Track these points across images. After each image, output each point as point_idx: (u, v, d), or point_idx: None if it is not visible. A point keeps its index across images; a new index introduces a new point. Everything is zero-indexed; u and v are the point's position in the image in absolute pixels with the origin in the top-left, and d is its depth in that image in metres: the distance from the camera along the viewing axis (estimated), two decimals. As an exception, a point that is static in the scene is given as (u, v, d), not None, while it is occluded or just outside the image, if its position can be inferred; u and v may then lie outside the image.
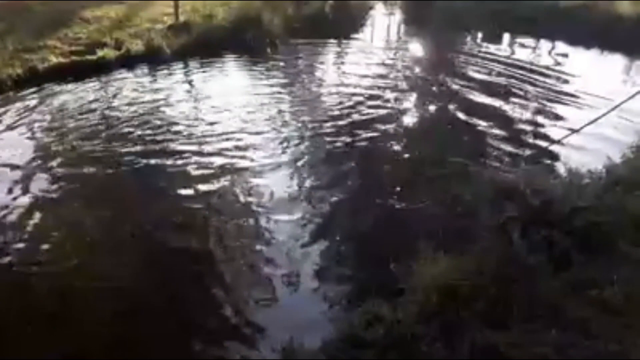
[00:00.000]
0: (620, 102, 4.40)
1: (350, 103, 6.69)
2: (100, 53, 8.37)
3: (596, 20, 9.31)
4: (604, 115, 4.38)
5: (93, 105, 6.83)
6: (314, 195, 4.63)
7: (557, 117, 6.37)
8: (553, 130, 5.93)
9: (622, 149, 4.73)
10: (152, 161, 5.34)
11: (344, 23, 10.68)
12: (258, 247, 4.04)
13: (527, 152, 5.34)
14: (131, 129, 6.09)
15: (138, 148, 5.61)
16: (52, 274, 3.72)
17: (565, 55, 8.75)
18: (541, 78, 7.76)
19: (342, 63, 8.96)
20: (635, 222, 3.28)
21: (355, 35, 10.50)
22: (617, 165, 4.28)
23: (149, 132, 6.02)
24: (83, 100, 7.01)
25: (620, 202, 3.44)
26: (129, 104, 6.84)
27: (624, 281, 2.82)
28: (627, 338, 2.61)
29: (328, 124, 6.08)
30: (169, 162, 5.32)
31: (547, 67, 8.25)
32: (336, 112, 6.41)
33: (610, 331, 2.65)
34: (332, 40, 9.99)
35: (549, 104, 6.77)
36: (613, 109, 4.39)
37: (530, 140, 5.67)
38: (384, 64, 8.64)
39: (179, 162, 5.33)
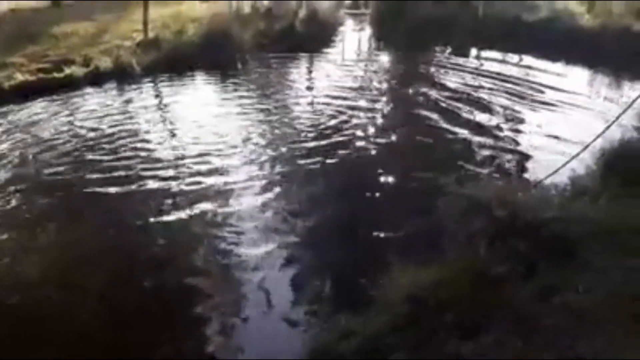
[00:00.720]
0: (621, 112, 4.60)
1: (322, 119, 6.69)
2: (67, 70, 8.29)
3: (559, 33, 9.54)
4: (613, 122, 4.49)
5: (56, 124, 6.70)
6: (287, 218, 4.50)
7: (526, 124, 6.49)
8: (523, 139, 6.03)
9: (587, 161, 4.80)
10: (113, 188, 4.97)
11: (314, 38, 10.76)
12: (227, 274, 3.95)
13: (497, 163, 5.41)
14: (95, 150, 5.90)
15: (101, 172, 5.34)
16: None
17: (530, 67, 8.98)
18: (512, 88, 7.93)
19: (314, 77, 9.03)
20: (599, 231, 3.34)
21: (327, 50, 10.62)
22: (581, 176, 4.37)
23: (111, 155, 5.76)
24: (47, 119, 6.89)
25: (585, 212, 3.51)
26: (95, 123, 6.72)
27: (588, 288, 2.87)
28: (594, 343, 2.65)
29: (301, 142, 6.01)
30: (134, 187, 5.02)
31: (517, 78, 8.43)
32: (308, 129, 6.39)
33: (577, 337, 2.69)
34: (303, 55, 10.08)
35: (520, 113, 6.89)
36: (614, 121, 4.52)
37: (500, 152, 5.74)
38: (354, 78, 8.74)
39: (145, 187, 5.02)
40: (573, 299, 2.86)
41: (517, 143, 5.93)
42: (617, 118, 4.62)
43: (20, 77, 7.99)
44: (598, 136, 4.44)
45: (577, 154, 4.44)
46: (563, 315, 2.79)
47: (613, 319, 2.69)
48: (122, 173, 5.31)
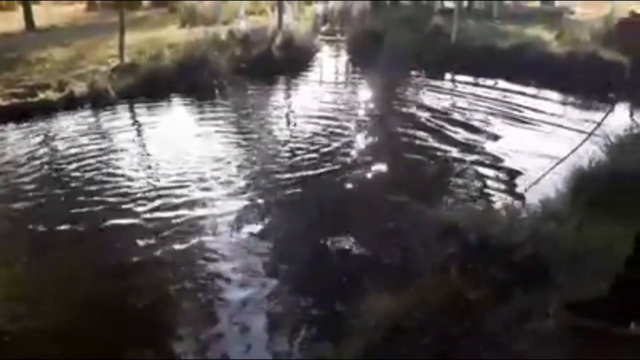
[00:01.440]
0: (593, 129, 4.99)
1: (300, 144, 6.65)
2: (42, 95, 8.21)
3: (530, 59, 9.80)
4: (586, 139, 4.86)
5: (27, 150, 6.56)
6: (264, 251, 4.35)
7: (504, 143, 6.59)
8: (502, 158, 6.11)
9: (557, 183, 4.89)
10: (81, 227, 4.60)
11: (291, 63, 10.86)
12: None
13: (473, 184, 5.47)
14: (65, 180, 5.68)
15: (64, 205, 5.05)
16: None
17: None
18: (489, 107, 8.09)
19: (292, 101, 9.09)
20: (569, 254, 3.40)
21: (304, 75, 10.72)
22: (551, 199, 4.45)
23: (83, 185, 5.53)
24: (18, 144, 6.79)
25: (555, 235, 3.57)
26: (67, 150, 6.60)
27: (560, 312, 2.91)
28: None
29: (280, 168, 5.90)
30: (110, 222, 4.69)
31: (494, 99, 8.60)
32: (287, 155, 6.34)
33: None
34: (280, 80, 10.16)
35: (499, 132, 7.02)
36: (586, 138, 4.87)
37: (478, 172, 5.79)
38: (333, 100, 8.85)
39: (120, 221, 4.69)
40: (544, 324, 2.90)
41: (496, 161, 6.00)
42: (590, 135, 5.12)
43: (-8, 102, 7.91)
44: (573, 151, 4.91)
45: (552, 167, 4.90)
46: (534, 341, 2.82)
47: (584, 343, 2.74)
48: (86, 209, 4.98)
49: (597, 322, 2.73)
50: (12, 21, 15.71)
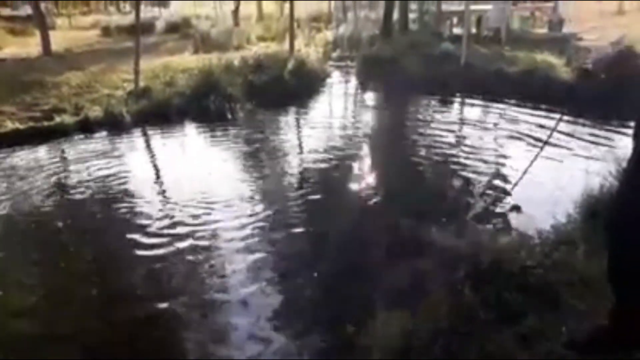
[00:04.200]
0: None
1: (311, 173, 6.64)
2: (58, 119, 8.39)
3: (537, 83, 9.88)
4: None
5: (43, 174, 6.69)
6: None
7: (513, 169, 6.56)
8: (511, 184, 6.09)
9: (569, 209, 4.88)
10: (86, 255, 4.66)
11: (303, 89, 11.04)
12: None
13: (479, 209, 5.48)
14: (81, 204, 5.79)
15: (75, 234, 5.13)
16: None
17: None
18: (499, 134, 8.11)
19: (303, 127, 9.17)
20: (581, 278, 3.41)
21: (315, 100, 10.86)
22: (563, 223, 4.47)
23: (97, 208, 5.64)
24: (35, 167, 6.95)
25: (567, 260, 3.58)
26: (83, 173, 6.71)
27: (572, 334, 2.92)
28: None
29: (293, 199, 5.81)
30: (128, 253, 4.66)
31: (503, 127, 8.62)
32: (298, 184, 6.31)
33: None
34: (292, 106, 10.29)
35: (507, 159, 7.01)
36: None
37: (484, 197, 5.81)
38: (344, 127, 8.94)
39: (137, 252, 4.67)
40: (557, 346, 2.90)
41: (504, 188, 5.99)
42: (545, 143, 5.79)
43: (10, 125, 8.08)
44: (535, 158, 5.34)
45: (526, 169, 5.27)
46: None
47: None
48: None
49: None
50: (29, 46, 16.13)
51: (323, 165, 6.88)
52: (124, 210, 5.60)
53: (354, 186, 6.26)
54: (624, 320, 2.61)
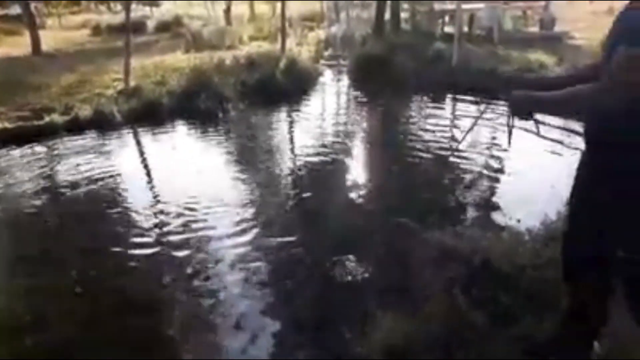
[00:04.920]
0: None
1: (304, 172, 6.62)
2: (47, 118, 8.33)
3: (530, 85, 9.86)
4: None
5: (30, 174, 6.62)
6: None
7: (506, 167, 6.57)
8: (502, 182, 6.10)
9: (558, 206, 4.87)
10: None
11: (295, 88, 10.95)
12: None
13: (470, 210, 5.46)
14: (68, 205, 5.73)
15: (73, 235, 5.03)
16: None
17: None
18: (492, 132, 8.08)
19: (296, 126, 9.13)
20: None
21: (307, 100, 10.81)
22: (554, 220, 4.44)
23: (85, 207, 5.58)
24: (23, 166, 6.91)
25: (557, 258, 3.57)
26: (71, 174, 6.63)
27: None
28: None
29: (287, 199, 5.78)
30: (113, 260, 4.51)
31: (497, 123, 8.59)
32: (291, 184, 6.26)
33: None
34: (284, 104, 10.24)
35: (500, 157, 6.98)
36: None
37: (475, 198, 5.80)
38: (336, 125, 8.93)
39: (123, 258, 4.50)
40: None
41: (495, 186, 5.99)
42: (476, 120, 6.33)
43: (-1, 125, 8.02)
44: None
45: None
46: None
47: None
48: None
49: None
50: (19, 45, 16.01)
51: (314, 159, 6.94)
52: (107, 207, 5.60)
53: (342, 184, 6.24)
54: (578, 307, 2.63)
